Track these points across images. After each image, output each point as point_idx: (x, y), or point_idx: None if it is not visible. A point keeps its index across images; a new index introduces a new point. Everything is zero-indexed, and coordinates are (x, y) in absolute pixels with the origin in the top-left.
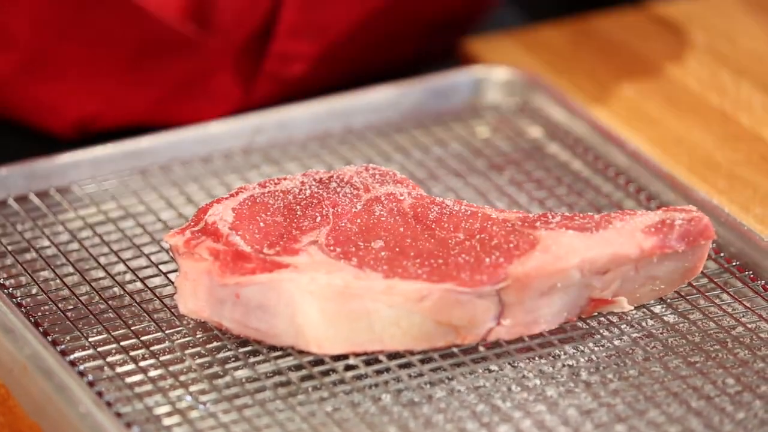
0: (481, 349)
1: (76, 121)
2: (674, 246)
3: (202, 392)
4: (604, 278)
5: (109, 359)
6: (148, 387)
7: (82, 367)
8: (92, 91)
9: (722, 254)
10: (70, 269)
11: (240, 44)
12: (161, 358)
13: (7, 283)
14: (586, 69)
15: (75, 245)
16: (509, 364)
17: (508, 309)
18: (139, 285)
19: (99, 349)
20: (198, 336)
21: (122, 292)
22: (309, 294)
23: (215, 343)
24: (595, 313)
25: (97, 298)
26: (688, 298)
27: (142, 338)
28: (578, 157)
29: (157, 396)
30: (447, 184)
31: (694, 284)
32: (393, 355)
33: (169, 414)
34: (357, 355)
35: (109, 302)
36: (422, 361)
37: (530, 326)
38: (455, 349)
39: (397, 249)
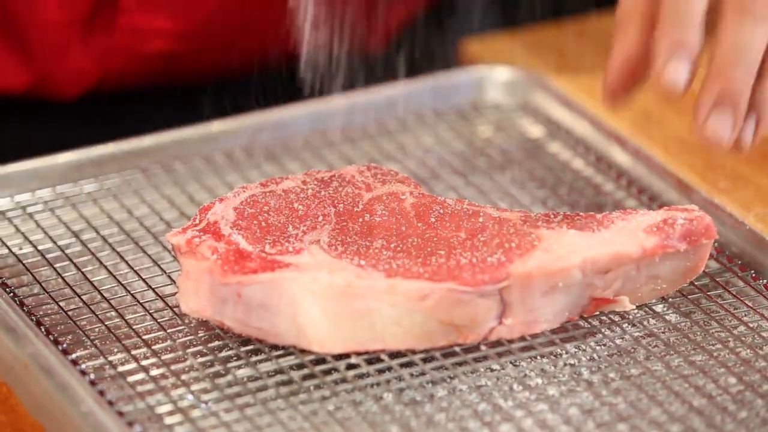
0: (483, 348)
1: None
2: (676, 245)
3: (204, 391)
4: (605, 277)
5: (111, 358)
6: (150, 386)
7: (83, 366)
8: None
9: (724, 253)
10: (72, 268)
11: (84, 15)
12: (163, 357)
13: (9, 282)
14: (587, 68)
15: (77, 244)
16: (511, 363)
17: (509, 308)
18: (140, 284)
19: (101, 348)
20: (200, 335)
21: (124, 292)
22: (311, 293)
23: (217, 342)
24: (597, 313)
25: (98, 297)
26: (689, 297)
27: (144, 337)
28: (580, 156)
29: (158, 395)
30: (448, 184)
31: (695, 283)
32: (395, 354)
33: (170, 413)
34: (359, 354)
35: (111, 301)
36: (424, 360)
37: (531, 325)
38: (457, 348)
39: (399, 248)
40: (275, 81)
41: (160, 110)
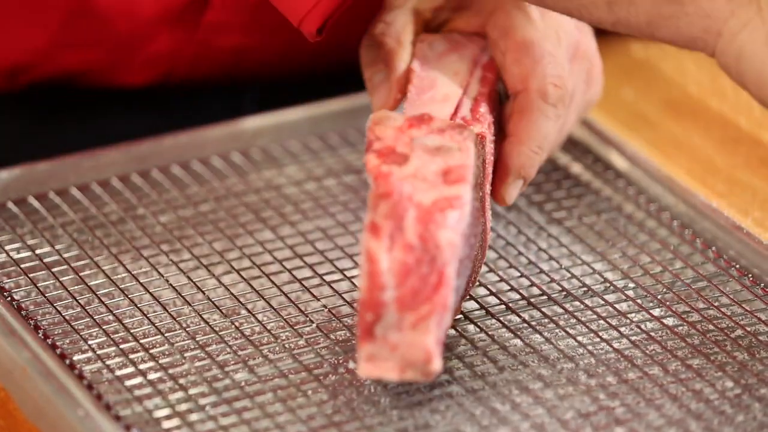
0: (480, 351)
1: (4, 69)
2: None
3: (202, 395)
4: None
5: (109, 362)
6: (148, 390)
7: (81, 370)
8: (23, 44)
9: (722, 257)
10: (70, 272)
11: (175, 12)
12: (161, 361)
13: (6, 286)
14: None
15: (74, 248)
16: (508, 367)
17: None
18: (138, 288)
19: (98, 352)
20: (197, 338)
21: (121, 296)
22: None
23: (214, 346)
24: (594, 316)
25: (96, 301)
26: (687, 300)
27: (142, 341)
28: (577, 160)
29: (156, 399)
30: None
31: (693, 287)
32: None
33: (168, 417)
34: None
35: (108, 305)
36: None
37: None
38: (454, 351)
39: None
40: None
41: (228, 104)
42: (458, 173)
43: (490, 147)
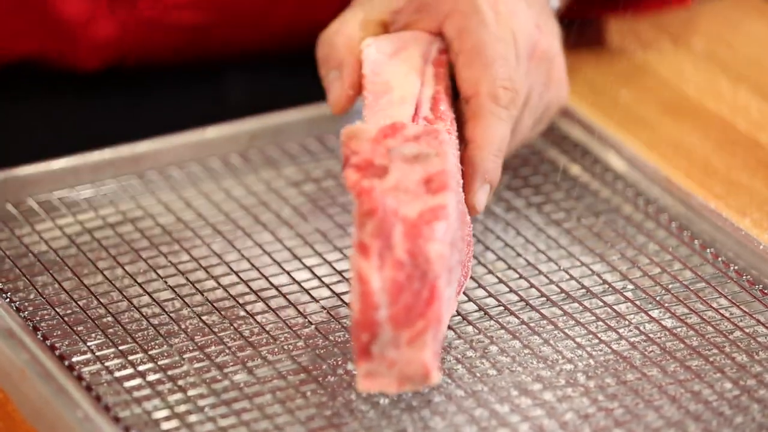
0: (479, 353)
1: None
2: None
3: (201, 396)
4: None
5: (108, 363)
6: (147, 391)
7: (80, 372)
8: None
9: (720, 258)
10: (69, 274)
11: None
12: (159, 362)
13: (5, 287)
14: (584, 74)
15: (73, 250)
16: (507, 368)
17: None
18: (137, 289)
19: (97, 354)
20: (196, 340)
21: (120, 297)
22: None
23: (213, 347)
24: (593, 318)
25: (95, 302)
26: (686, 302)
27: (140, 342)
28: (576, 162)
29: (155, 400)
30: None
31: (691, 288)
32: None
33: (167, 418)
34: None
35: (107, 307)
36: None
37: None
38: (453, 353)
39: None
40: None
41: (186, 87)
42: (440, 181)
43: (455, 142)
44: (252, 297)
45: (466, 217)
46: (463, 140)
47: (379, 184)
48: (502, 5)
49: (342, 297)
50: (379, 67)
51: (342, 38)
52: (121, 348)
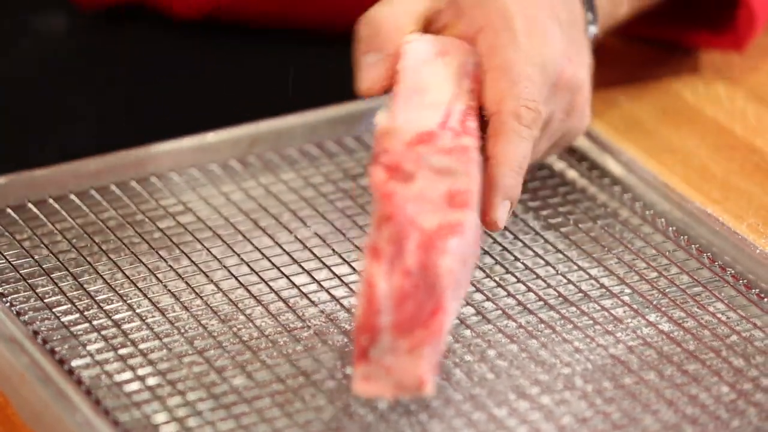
0: (478, 357)
1: None
2: None
3: (200, 400)
4: None
5: (107, 367)
6: (146, 395)
7: (79, 375)
8: None
9: (717, 263)
10: (68, 278)
11: None
12: (159, 366)
13: (5, 291)
14: None
15: (73, 254)
16: (505, 372)
17: None
18: (136, 293)
19: (97, 358)
20: (195, 344)
21: (120, 301)
22: None
23: (213, 351)
24: (590, 322)
25: (95, 306)
26: (682, 306)
27: (140, 346)
28: (573, 166)
29: (154, 404)
30: None
31: (688, 292)
32: None
33: (166, 422)
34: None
35: (107, 311)
36: None
37: None
38: (451, 357)
39: None
40: None
41: (274, 49)
42: (462, 198)
43: (480, 162)
44: (251, 301)
45: (479, 239)
46: (485, 158)
47: (403, 189)
48: (536, 27)
49: (341, 302)
50: (417, 66)
51: (390, 24)
52: (120, 352)
